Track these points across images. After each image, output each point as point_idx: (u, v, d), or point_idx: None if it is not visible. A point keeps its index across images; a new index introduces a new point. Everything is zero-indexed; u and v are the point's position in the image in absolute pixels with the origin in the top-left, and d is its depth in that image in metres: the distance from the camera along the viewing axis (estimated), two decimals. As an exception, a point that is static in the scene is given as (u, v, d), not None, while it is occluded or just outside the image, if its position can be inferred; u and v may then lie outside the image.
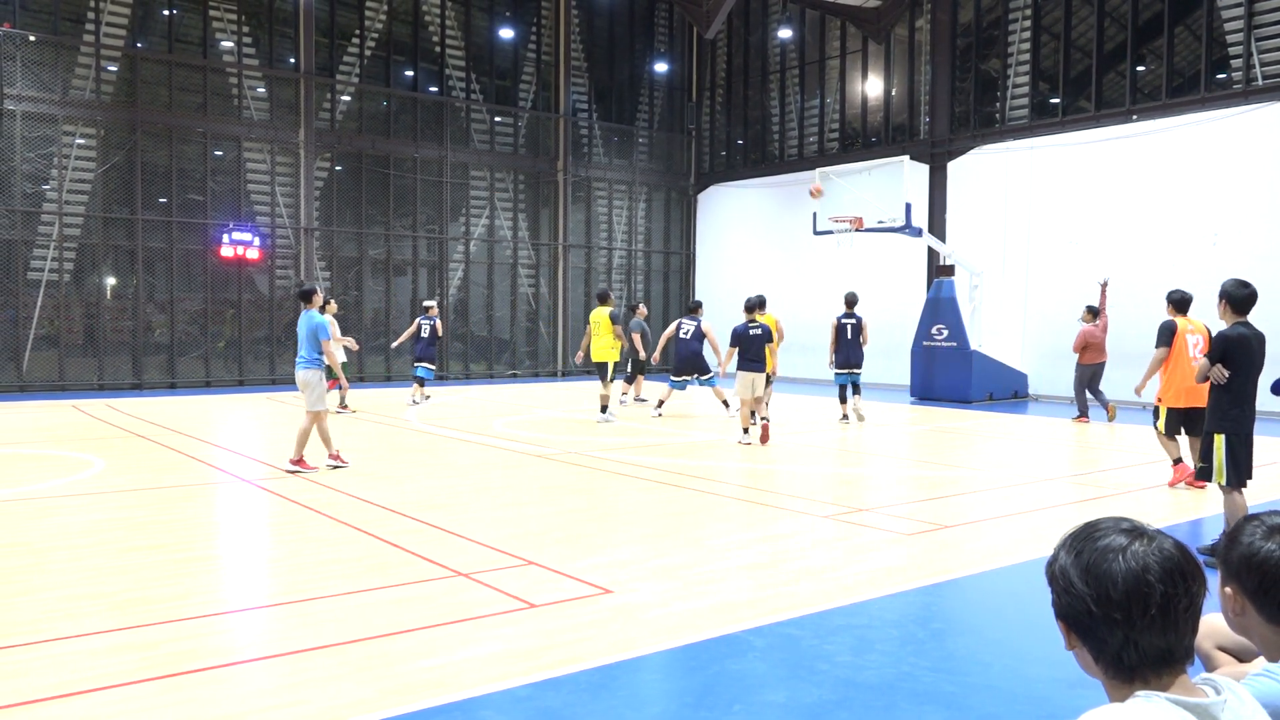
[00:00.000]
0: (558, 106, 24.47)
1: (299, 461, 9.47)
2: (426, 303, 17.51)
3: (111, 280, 19.16)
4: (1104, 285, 14.78)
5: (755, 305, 12.51)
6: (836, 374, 15.02)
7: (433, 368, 17.04)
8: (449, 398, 17.97)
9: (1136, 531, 1.56)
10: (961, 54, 20.84)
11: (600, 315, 15.23)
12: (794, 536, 6.92)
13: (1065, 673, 4.22)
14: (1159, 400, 9.03)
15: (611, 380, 14.71)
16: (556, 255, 24.68)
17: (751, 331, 12.06)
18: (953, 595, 5.71)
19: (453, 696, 3.95)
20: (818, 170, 19.87)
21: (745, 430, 11.85)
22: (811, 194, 18.08)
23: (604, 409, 14.31)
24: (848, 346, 14.84)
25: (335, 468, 9.69)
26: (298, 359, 9.78)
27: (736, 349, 12.08)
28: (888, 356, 20.89)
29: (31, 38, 17.77)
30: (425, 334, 16.73)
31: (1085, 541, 1.59)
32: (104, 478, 9.05)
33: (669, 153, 26.70)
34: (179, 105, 19.35)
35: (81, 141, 18.38)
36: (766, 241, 24.76)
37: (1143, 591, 1.47)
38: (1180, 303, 9.11)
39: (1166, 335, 8.81)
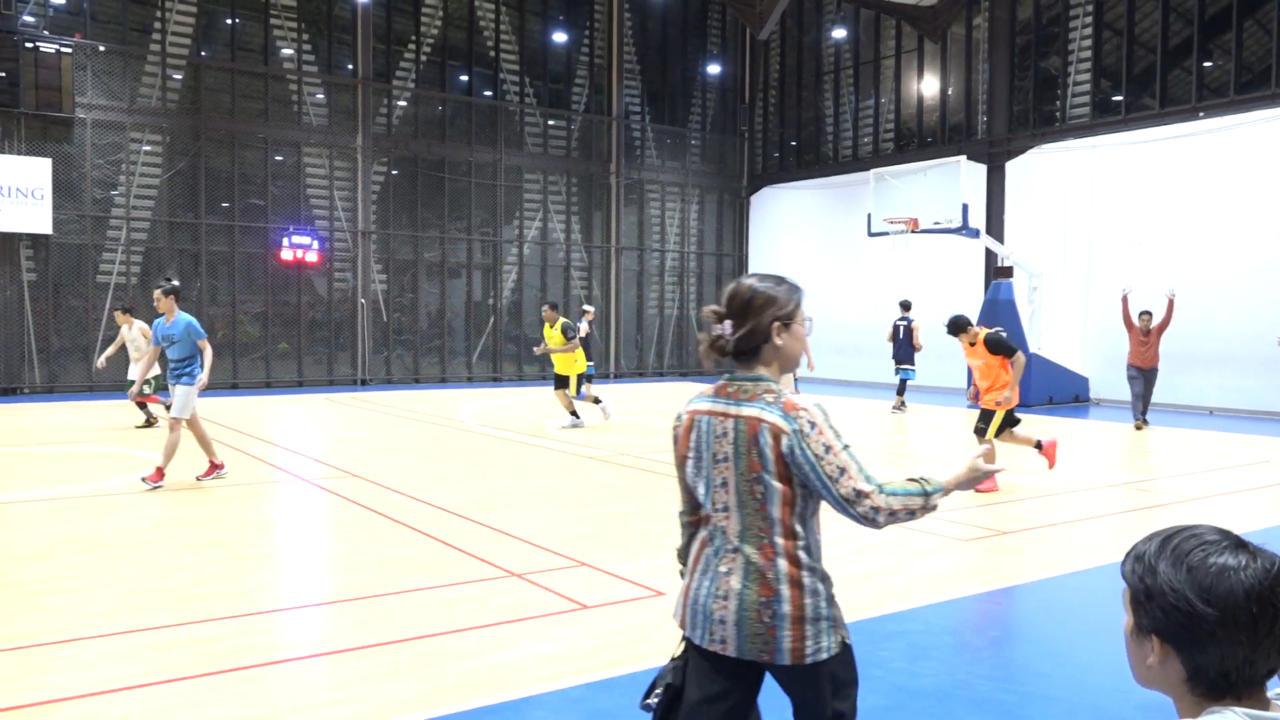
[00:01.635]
0: (610, 109, 24.55)
1: (162, 471, 8.62)
2: (585, 306, 18.24)
3: (176, 283, 19.59)
4: (1171, 298, 14.27)
5: None
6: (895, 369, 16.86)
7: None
8: (503, 400, 18.12)
9: (1240, 545, 1.51)
10: (1020, 52, 20.49)
11: (549, 333, 13.79)
12: (846, 541, 6.85)
13: (1127, 683, 4.12)
14: (999, 405, 8.94)
15: (578, 393, 13.67)
16: (609, 258, 24.76)
17: None
18: (1011, 603, 5.61)
19: (506, 696, 3.97)
20: (872, 171, 19.69)
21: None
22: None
23: (574, 414, 13.63)
24: (899, 346, 16.66)
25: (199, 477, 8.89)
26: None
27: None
28: (943, 359, 20.58)
29: (101, 48, 18.31)
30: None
31: (1190, 556, 1.52)
32: (171, 476, 9.26)
33: (721, 155, 26.64)
34: (241, 112, 19.79)
35: (148, 148, 18.89)
36: (820, 243, 24.58)
37: (1270, 611, 1.43)
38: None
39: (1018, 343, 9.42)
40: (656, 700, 2.68)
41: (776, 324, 2.46)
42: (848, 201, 23.15)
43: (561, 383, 13.67)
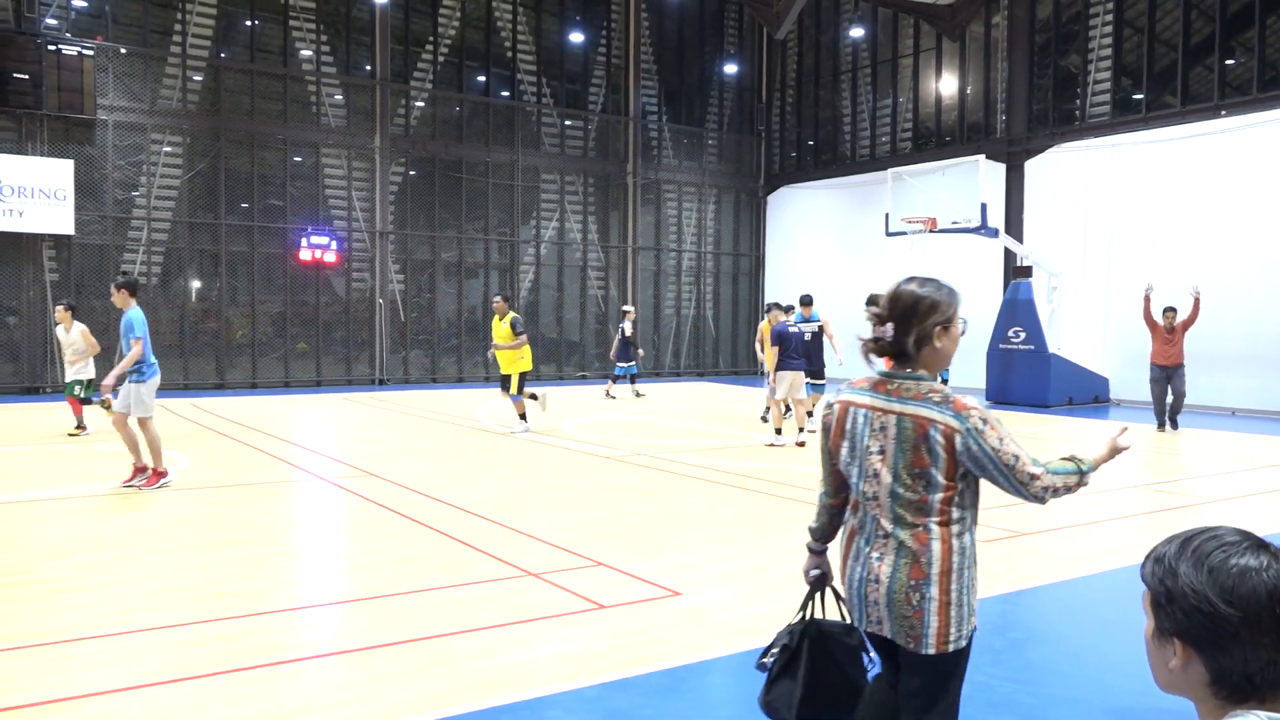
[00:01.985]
0: (627, 109, 24.56)
1: (159, 472, 8.60)
2: (625, 307, 19.39)
3: (196, 283, 19.79)
4: (1196, 296, 14.08)
5: (804, 302, 13.20)
6: None
7: (626, 365, 18.90)
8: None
9: (1261, 546, 1.50)
10: (1040, 50, 20.35)
11: (496, 325, 13.20)
12: (865, 541, 6.82)
13: (1148, 686, 4.08)
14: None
15: (517, 392, 12.87)
16: (626, 258, 24.76)
17: (791, 330, 12.18)
18: (1031, 604, 5.57)
19: (522, 695, 3.98)
20: (890, 170, 19.60)
21: (778, 431, 11.83)
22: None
23: (522, 416, 12.97)
24: None
25: (136, 485, 8.51)
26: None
27: (778, 348, 12.03)
28: (962, 359, 20.49)
29: (122, 50, 18.46)
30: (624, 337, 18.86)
31: (1211, 557, 1.50)
32: (189, 474, 9.34)
33: (738, 154, 26.60)
34: (260, 113, 19.91)
35: (169, 149, 19.03)
36: (837, 243, 24.50)
37: None
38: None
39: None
40: (772, 660, 2.93)
41: (938, 328, 2.64)
42: (865, 201, 23.06)
43: (506, 384, 13.00)
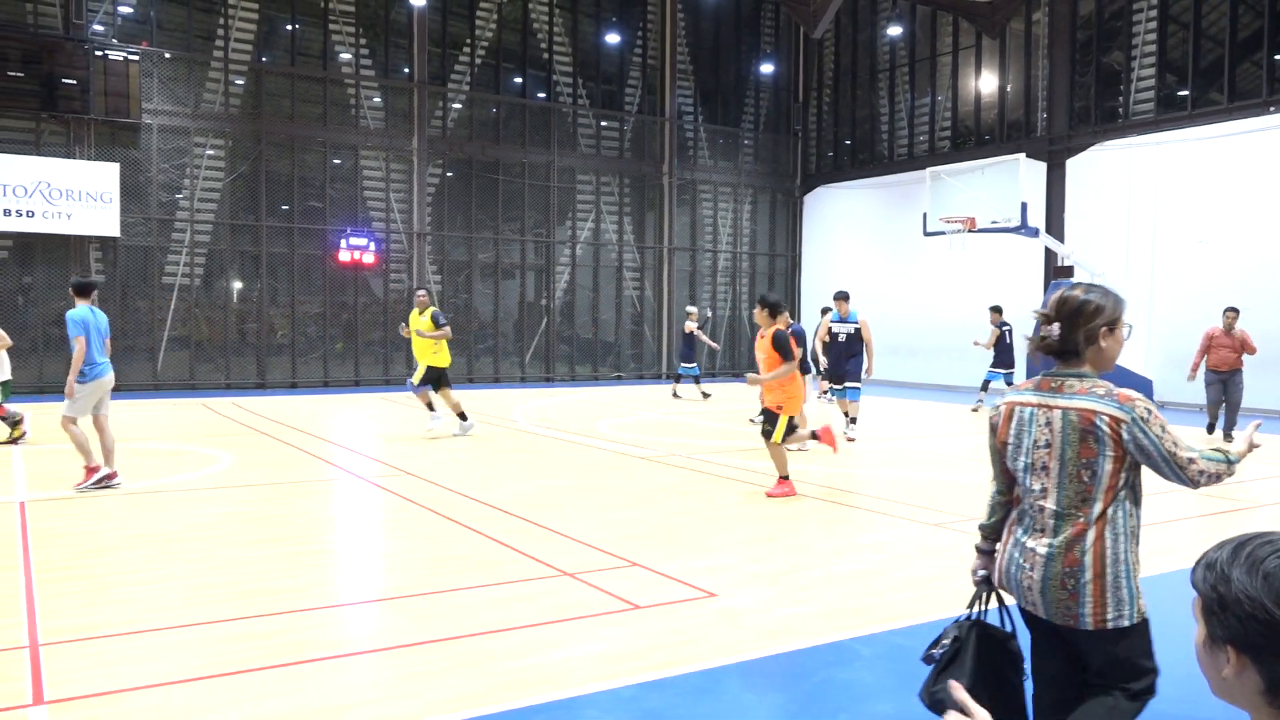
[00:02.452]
0: (663, 110, 24.56)
1: (90, 469, 8.54)
2: (689, 308, 19.42)
3: (238, 284, 20.08)
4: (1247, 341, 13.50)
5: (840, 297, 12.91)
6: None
7: (689, 365, 18.88)
8: (555, 400, 18.21)
9: None
10: (1081, 47, 20.06)
11: (415, 318, 12.59)
12: (901, 544, 6.76)
13: (1201, 694, 4.00)
14: (779, 409, 8.49)
15: (419, 385, 12.35)
16: (661, 258, 24.76)
17: (833, 328, 12.40)
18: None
19: (558, 694, 3.99)
20: (928, 170, 19.42)
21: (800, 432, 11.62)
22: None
23: (462, 416, 12.42)
24: (1005, 349, 16.89)
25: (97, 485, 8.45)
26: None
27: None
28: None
29: (167, 55, 18.78)
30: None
31: (1265, 562, 1.46)
32: (230, 473, 9.48)
33: (774, 154, 26.49)
34: (300, 116, 20.16)
35: (211, 152, 19.33)
36: (874, 243, 24.32)
37: None
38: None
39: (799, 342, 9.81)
40: (940, 651, 3.06)
41: (1103, 329, 2.81)
42: (903, 201, 22.87)
43: (430, 379, 12.38)
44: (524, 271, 23.04)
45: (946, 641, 3.05)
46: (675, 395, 18.82)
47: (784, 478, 8.54)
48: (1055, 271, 18.43)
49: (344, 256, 20.30)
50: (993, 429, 2.97)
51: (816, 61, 26.21)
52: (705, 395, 18.85)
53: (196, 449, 11.06)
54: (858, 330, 12.64)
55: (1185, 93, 18.23)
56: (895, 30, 23.88)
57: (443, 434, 12.35)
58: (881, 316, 23.87)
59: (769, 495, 8.40)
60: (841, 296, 12.86)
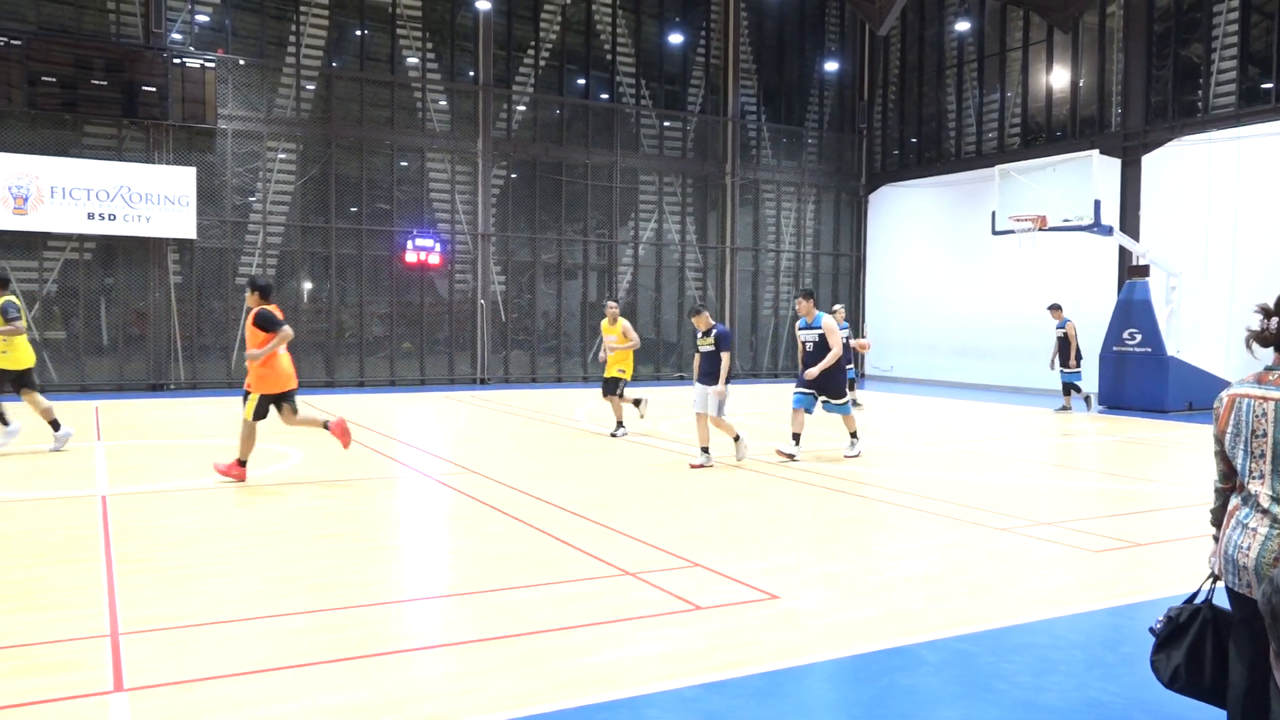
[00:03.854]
0: (726, 109, 24.48)
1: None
2: (835, 306, 17.59)
3: (308, 285, 20.54)
4: None
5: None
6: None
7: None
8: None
9: None
10: (1159, 39, 19.49)
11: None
12: (967, 548, 6.65)
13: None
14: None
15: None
16: (724, 258, 24.68)
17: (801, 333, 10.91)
18: (1146, 618, 5.32)
19: (620, 694, 4.00)
20: (997, 167, 19.04)
21: (703, 450, 10.22)
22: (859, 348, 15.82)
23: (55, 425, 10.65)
24: (1066, 346, 16.54)
25: None
26: None
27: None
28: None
29: (241, 62, 19.29)
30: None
31: None
32: (300, 469, 9.70)
33: (839, 153, 26.23)
34: (369, 119, 20.54)
35: (283, 156, 19.81)
36: (941, 242, 23.94)
37: None
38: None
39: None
40: (1159, 625, 3.32)
41: None
42: (971, 199, 22.48)
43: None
44: (586, 272, 23.17)
45: (1161, 620, 3.30)
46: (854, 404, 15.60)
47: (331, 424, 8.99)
48: (1130, 271, 17.94)
49: (410, 257, 20.63)
50: (1215, 419, 3.11)
51: (882, 59, 25.89)
52: (856, 403, 16.50)
53: (268, 446, 11.33)
54: (823, 337, 10.57)
55: (1269, 85, 17.61)
56: (963, 26, 23.47)
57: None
58: (947, 318, 23.49)
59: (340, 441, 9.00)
60: (804, 294, 10.87)
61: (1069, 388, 16.55)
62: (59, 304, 18.35)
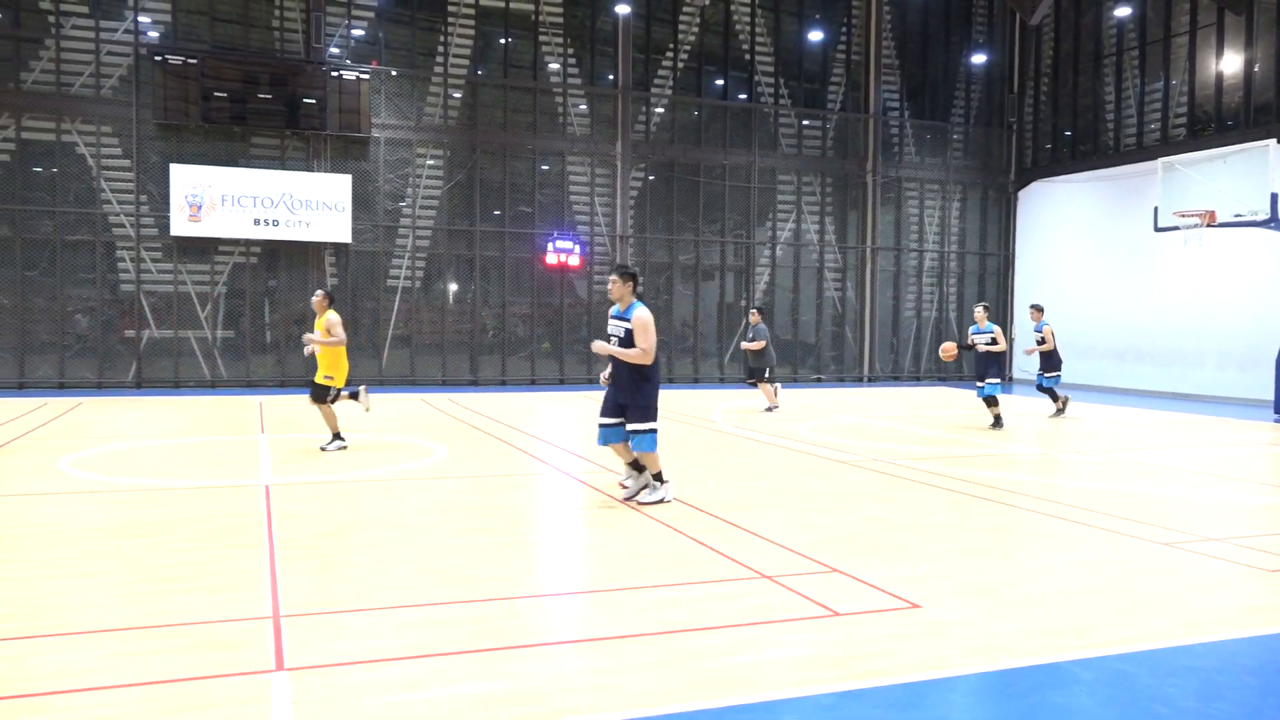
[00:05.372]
0: (867, 106, 23.98)
1: None
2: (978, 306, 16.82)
3: (453, 286, 21.25)
4: None
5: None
6: None
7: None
8: (755, 401, 18.15)
9: None
10: (1346, 18, 17.99)
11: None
12: (1126, 563, 6.29)
13: None
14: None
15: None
16: (864, 258, 24.19)
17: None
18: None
19: (757, 697, 3.97)
20: (1160, 160, 17.96)
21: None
22: (943, 355, 14.51)
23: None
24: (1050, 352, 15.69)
25: None
26: None
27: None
28: (1243, 368, 18.51)
29: (393, 73, 20.14)
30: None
31: None
32: (445, 465, 10.04)
33: (986, 148, 25.31)
34: (512, 125, 21.10)
35: (431, 162, 20.57)
36: (1097, 240, 22.77)
37: None
38: None
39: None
40: None
41: None
42: (1130, 194, 21.31)
43: None
44: (723, 273, 23.12)
45: None
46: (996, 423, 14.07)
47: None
48: (1311, 269, 16.64)
49: (551, 259, 21.08)
50: None
51: (1033, 49, 24.82)
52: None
53: (418, 441, 11.78)
54: (629, 332, 8.03)
55: None
56: (1123, 11, 22.26)
57: None
58: (1104, 319, 22.33)
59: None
60: (621, 274, 8.44)
61: (1047, 390, 15.74)
62: (228, 305, 19.58)
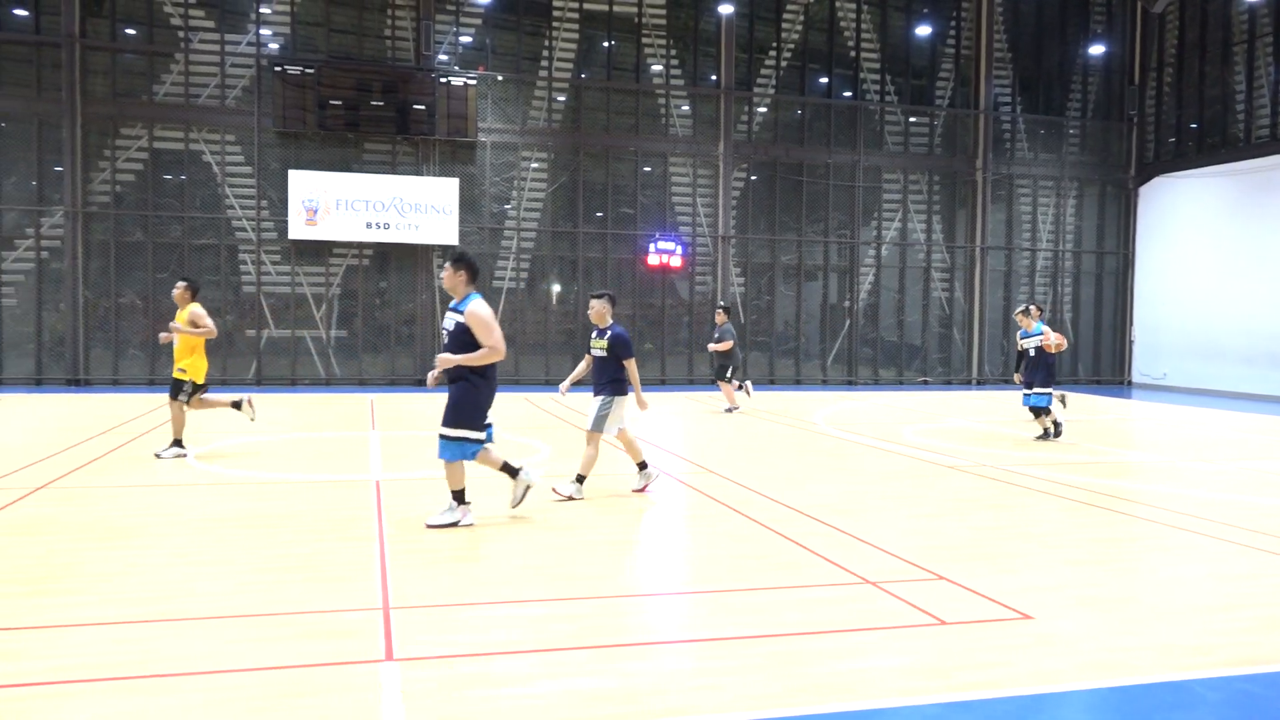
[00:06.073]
0: (977, 102, 23.34)
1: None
2: (1030, 305, 14.99)
3: (557, 287, 21.53)
4: None
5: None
6: None
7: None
8: (857, 403, 17.86)
9: None
10: None
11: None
12: (1257, 579, 5.96)
13: None
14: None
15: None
16: (973, 258, 23.54)
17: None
18: None
19: (860, 704, 3.90)
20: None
21: (578, 479, 8.45)
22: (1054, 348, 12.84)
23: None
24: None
25: None
26: None
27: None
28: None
29: (499, 78, 20.53)
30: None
31: None
32: (548, 463, 10.18)
33: (1104, 143, 24.33)
34: (615, 127, 21.25)
35: (535, 165, 20.88)
36: (1227, 236, 21.64)
37: None
38: None
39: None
40: None
41: None
42: (1263, 188, 20.19)
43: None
44: (827, 273, 22.81)
45: None
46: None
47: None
48: None
49: (653, 260, 21.16)
50: None
51: (1156, 39, 23.75)
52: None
53: (520, 439, 11.98)
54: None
55: None
56: (1255, -4, 21.11)
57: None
58: (1236, 320, 21.22)
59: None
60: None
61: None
62: (342, 305, 20.27)
